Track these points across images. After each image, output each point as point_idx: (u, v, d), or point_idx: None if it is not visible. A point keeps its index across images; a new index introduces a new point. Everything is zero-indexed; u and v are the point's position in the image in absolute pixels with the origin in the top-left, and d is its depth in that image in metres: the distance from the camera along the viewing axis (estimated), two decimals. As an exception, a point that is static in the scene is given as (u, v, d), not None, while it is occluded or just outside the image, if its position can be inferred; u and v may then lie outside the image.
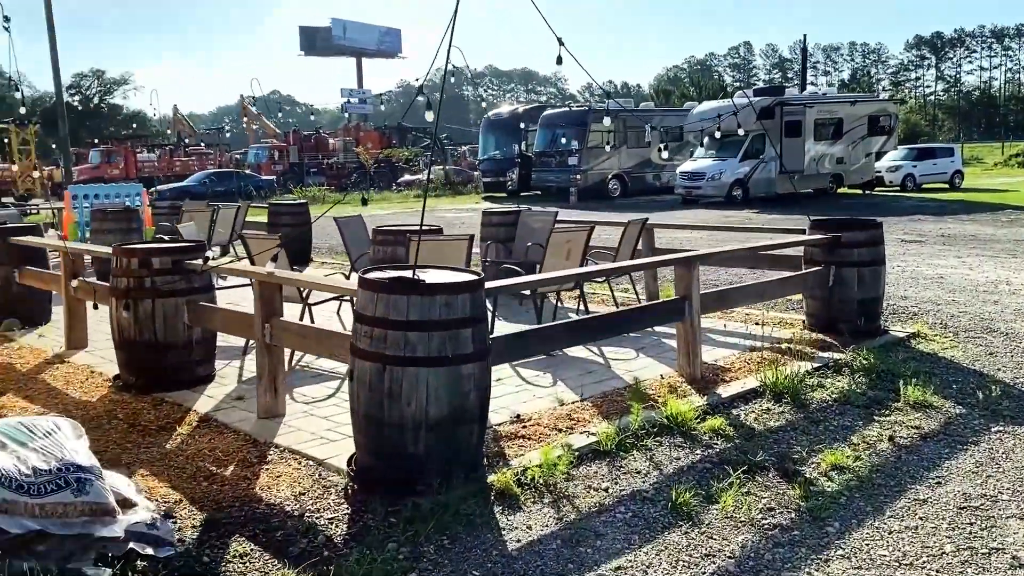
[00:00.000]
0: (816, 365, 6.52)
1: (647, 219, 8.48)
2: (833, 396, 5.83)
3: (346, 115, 60.21)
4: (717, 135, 27.18)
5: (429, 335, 4.01)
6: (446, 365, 4.03)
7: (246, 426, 5.20)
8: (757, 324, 8.11)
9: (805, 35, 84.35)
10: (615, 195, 31.05)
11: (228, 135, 67.75)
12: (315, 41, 78.60)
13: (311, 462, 4.61)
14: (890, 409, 5.57)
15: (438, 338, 4.02)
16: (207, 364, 6.23)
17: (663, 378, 6.16)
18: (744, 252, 7.02)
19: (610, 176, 31.10)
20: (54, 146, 51.52)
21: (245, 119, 63.10)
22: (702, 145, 28.22)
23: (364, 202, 31.96)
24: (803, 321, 7.90)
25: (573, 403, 5.60)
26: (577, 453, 4.65)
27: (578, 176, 30.21)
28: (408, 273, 4.23)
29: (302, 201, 13.97)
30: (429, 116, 5.73)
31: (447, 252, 6.61)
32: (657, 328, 7.11)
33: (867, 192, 29.43)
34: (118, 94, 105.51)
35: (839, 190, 28.49)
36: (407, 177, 41.67)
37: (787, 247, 7.62)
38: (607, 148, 30.67)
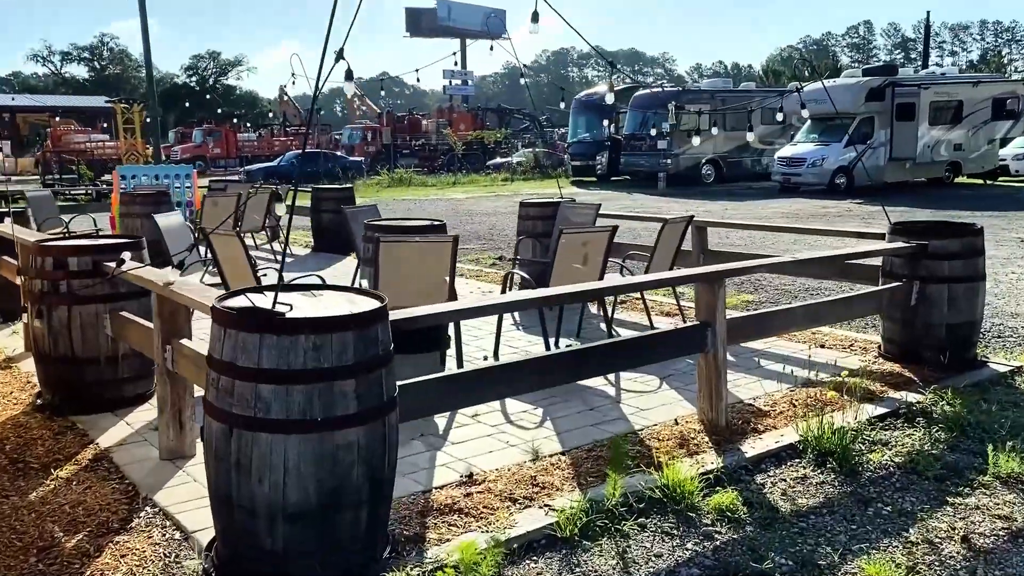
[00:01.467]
0: (883, 411, 5.13)
1: (692, 217, 7.14)
2: (896, 460, 4.46)
3: (448, 97, 59.88)
4: (821, 118, 25.18)
5: (288, 389, 2.92)
6: (312, 431, 2.94)
7: (137, 472, 4.25)
8: (821, 347, 6.71)
9: (928, 12, 79.02)
10: (708, 181, 29.27)
11: (341, 116, 68.35)
12: (420, 22, 78.56)
13: (177, 535, 3.60)
14: (972, 485, 4.17)
15: (301, 394, 2.92)
16: (140, 382, 5.32)
17: (677, 424, 4.91)
18: (793, 264, 5.63)
19: (704, 161, 29.31)
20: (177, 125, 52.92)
21: (351, 101, 63.53)
22: (803, 128, 26.14)
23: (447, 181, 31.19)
24: (878, 346, 6.45)
25: (551, 457, 4.42)
26: (517, 545, 3.48)
27: (668, 160, 28.57)
28: (287, 298, 3.14)
29: (347, 186, 13.14)
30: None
31: (424, 258, 5.50)
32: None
33: (989, 182, 26.70)
34: (232, 75, 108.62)
35: (956, 179, 25.92)
36: (497, 160, 40.70)
37: (860, 257, 6.17)
38: (701, 131, 28.94)
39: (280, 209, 12.64)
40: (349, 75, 6.74)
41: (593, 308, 8.22)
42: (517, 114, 58.88)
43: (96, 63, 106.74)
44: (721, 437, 4.68)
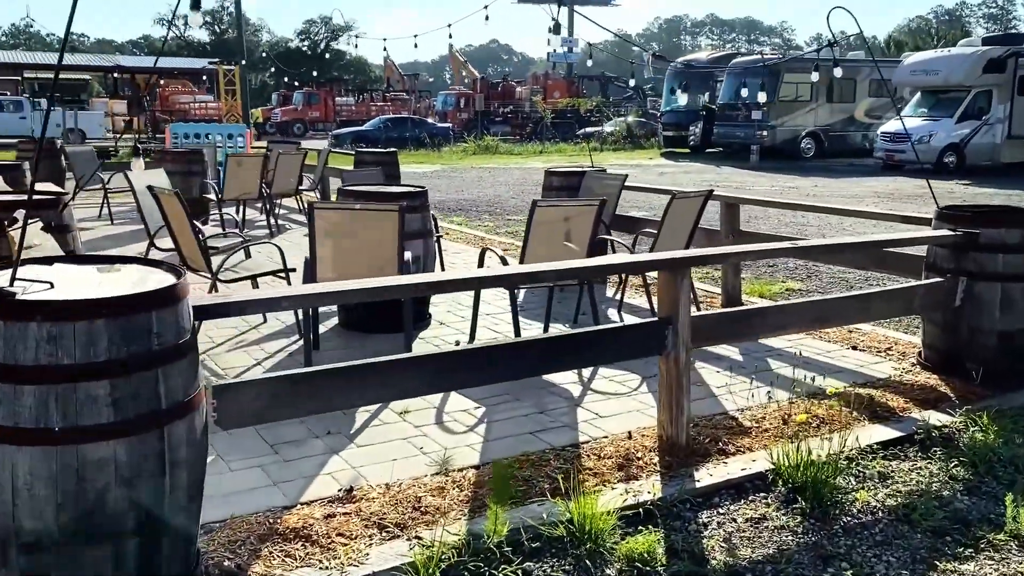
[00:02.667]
0: (894, 434, 4.21)
1: (710, 191, 6.22)
2: (889, 503, 3.57)
3: (551, 64, 58.89)
4: (931, 90, 23.19)
5: (15, 390, 2.33)
6: (47, 444, 2.34)
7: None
8: (854, 348, 5.75)
9: (1080, -23, 72.60)
10: (808, 155, 27.52)
11: (449, 83, 68.35)
12: (530, -13, 77.78)
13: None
14: (978, 545, 3.26)
15: (32, 396, 2.33)
16: None
17: (630, 438, 4.12)
18: (795, 250, 4.67)
19: (803, 134, 27.56)
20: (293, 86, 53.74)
21: (453, 67, 63.31)
22: (911, 101, 24.14)
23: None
24: (919, 352, 5.45)
25: (459, 471, 3.72)
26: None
27: (763, 132, 26.96)
28: (43, 274, 2.54)
29: (391, 150, 12.59)
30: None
31: (367, 229, 4.84)
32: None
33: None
34: (343, 40, 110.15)
35: (1087, 160, 23.46)
36: (588, 128, 39.59)
37: (896, 245, 5.16)
38: (803, 102, 27.22)
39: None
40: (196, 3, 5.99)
41: (609, 291, 7.42)
42: (618, 82, 57.34)
43: (216, 27, 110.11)
44: (676, 459, 3.87)
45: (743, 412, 4.49)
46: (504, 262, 5.40)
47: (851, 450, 3.94)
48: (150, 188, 5.65)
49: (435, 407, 4.48)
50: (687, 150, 31.74)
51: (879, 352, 5.68)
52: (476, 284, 3.70)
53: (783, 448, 3.79)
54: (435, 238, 6.11)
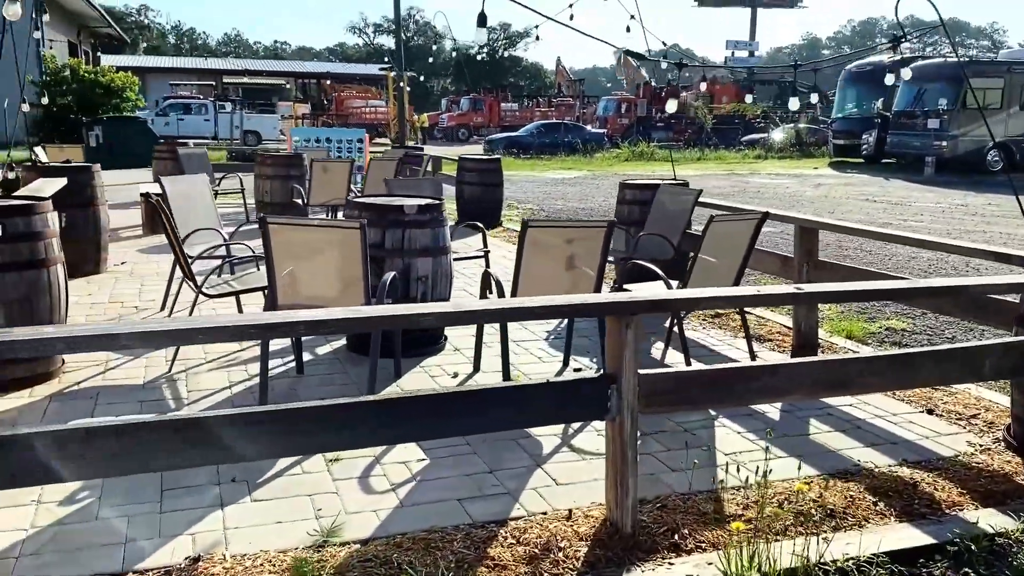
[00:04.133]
0: (920, 542, 3.24)
1: (765, 214, 5.26)
2: (866, 647, 2.66)
3: (729, 69, 56.91)
4: None
5: None
6: None
7: None
8: (930, 412, 4.68)
9: None
10: (995, 169, 24.71)
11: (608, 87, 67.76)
12: (710, -9, 75.83)
13: None
14: None
15: None
16: None
17: (570, 518, 3.38)
18: (802, 296, 3.66)
19: (990, 145, 24.74)
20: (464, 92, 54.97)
21: (626, 72, 62.42)
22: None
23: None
24: (1007, 425, 4.33)
25: (340, 546, 3.13)
26: None
27: (942, 143, 24.45)
28: None
29: (495, 157, 12.11)
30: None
31: (327, 249, 4.33)
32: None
33: None
34: (520, 46, 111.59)
35: None
36: (753, 135, 37.67)
37: (983, 291, 4.08)
38: (992, 109, 24.48)
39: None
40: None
41: (698, 321, 6.58)
42: (800, 87, 54.50)
43: (403, 34, 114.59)
44: (610, 553, 3.11)
45: (735, 492, 3.63)
46: (501, 291, 4.76)
47: (846, 560, 3.03)
48: (145, 195, 5.42)
49: (374, 456, 3.92)
50: (859, 160, 29.45)
51: (959, 420, 4.59)
52: (402, 320, 3.08)
53: (748, 551, 2.95)
54: (449, 256, 5.54)
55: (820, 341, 6.07)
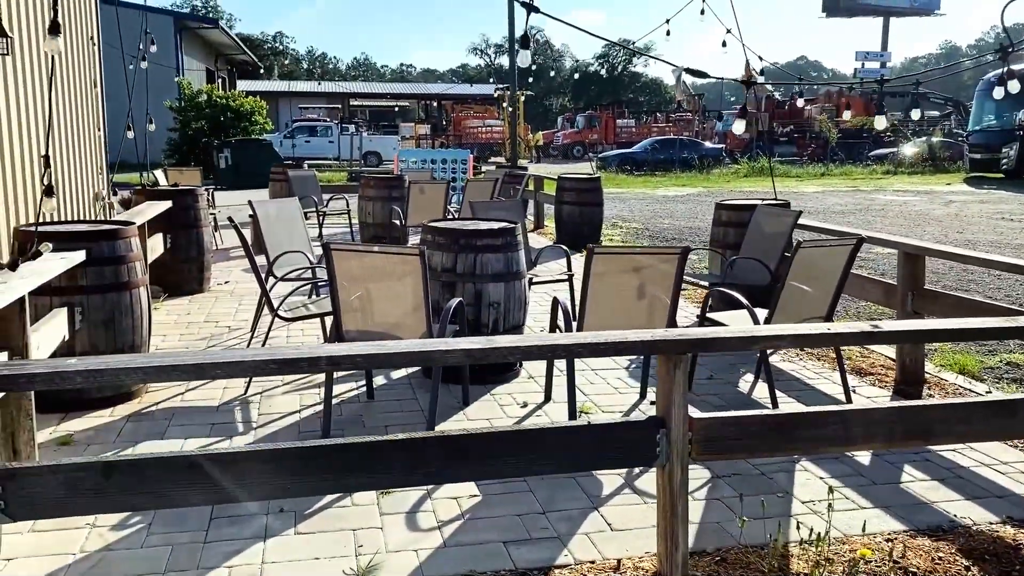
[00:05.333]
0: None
1: (860, 239, 4.85)
2: None
3: (859, 80, 54.83)
4: None
5: None
6: None
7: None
8: (1004, 472, 4.21)
9: None
10: None
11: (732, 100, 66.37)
12: (838, 1, 73.36)
13: None
14: None
15: None
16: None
17: (618, 570, 3.16)
18: (814, 336, 3.26)
19: None
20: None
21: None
22: None
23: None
24: None
25: (374, 585, 3.04)
26: None
27: (1093, 156, 22.62)
28: None
29: (594, 176, 11.88)
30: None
31: (389, 276, 4.26)
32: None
33: None
34: (639, 62, 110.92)
35: None
36: (882, 150, 35.94)
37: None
38: None
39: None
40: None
41: (804, 358, 6.21)
42: (936, 98, 51.91)
43: (536, 53, 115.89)
44: (655, 610, 2.88)
45: (806, 547, 3.32)
46: (568, 321, 4.57)
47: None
48: (230, 219, 5.51)
49: (425, 490, 3.81)
50: (999, 175, 27.62)
51: (1075, 474, 4.09)
52: (432, 357, 2.92)
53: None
54: (523, 281, 5.40)
55: (928, 375, 5.60)
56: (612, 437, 2.98)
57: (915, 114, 13.35)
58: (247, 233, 6.37)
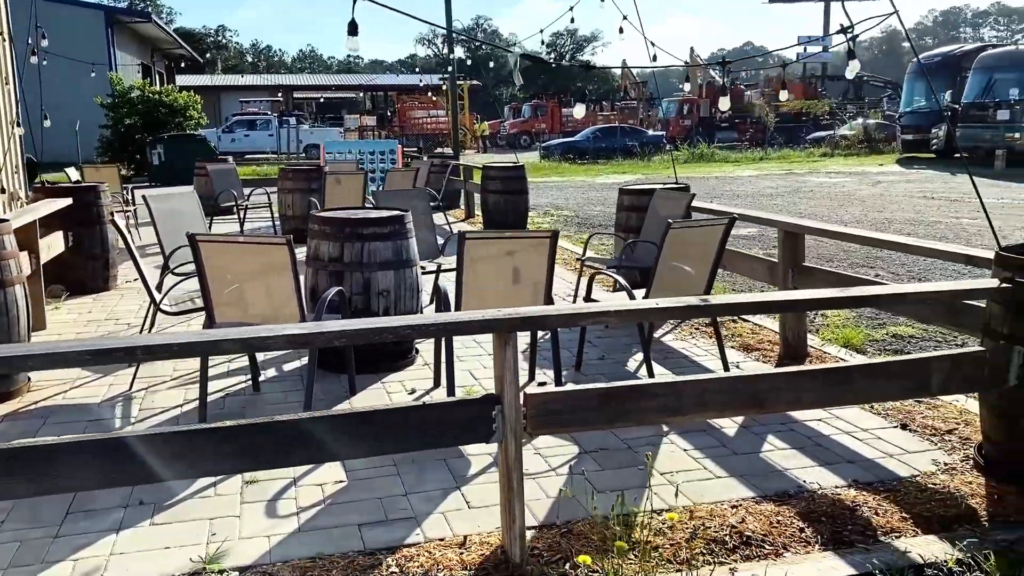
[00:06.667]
0: (838, 573, 2.98)
1: (732, 218, 4.98)
2: None
3: (803, 66, 55.59)
4: None
5: None
6: None
7: None
8: (904, 427, 4.38)
9: None
10: (1075, 161, 23.41)
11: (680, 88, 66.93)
12: (779, -15, 74.29)
13: None
14: None
15: None
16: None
17: (463, 546, 3.22)
18: (699, 308, 3.35)
19: (1068, 135, 23.46)
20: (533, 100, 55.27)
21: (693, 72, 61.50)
22: None
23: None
24: (978, 444, 4.00)
25: (220, 574, 3.06)
26: None
27: (1016, 135, 23.28)
28: None
29: (519, 164, 11.96)
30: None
31: (260, 265, 4.27)
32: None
33: None
34: (587, 51, 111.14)
35: None
36: (819, 133, 36.58)
37: (932, 299, 3.78)
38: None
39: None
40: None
41: (687, 332, 6.35)
42: (875, 82, 52.83)
43: (471, 45, 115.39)
44: (492, 584, 2.95)
45: (652, 515, 3.41)
46: (447, 304, 4.62)
47: (741, 596, 2.81)
48: (111, 215, 5.46)
49: (292, 477, 3.84)
50: (930, 155, 28.30)
51: (934, 435, 4.26)
52: (254, 344, 2.91)
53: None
54: (415, 268, 5.43)
55: (813, 349, 5.76)
56: (449, 416, 3.04)
57: (852, 69, 12.68)
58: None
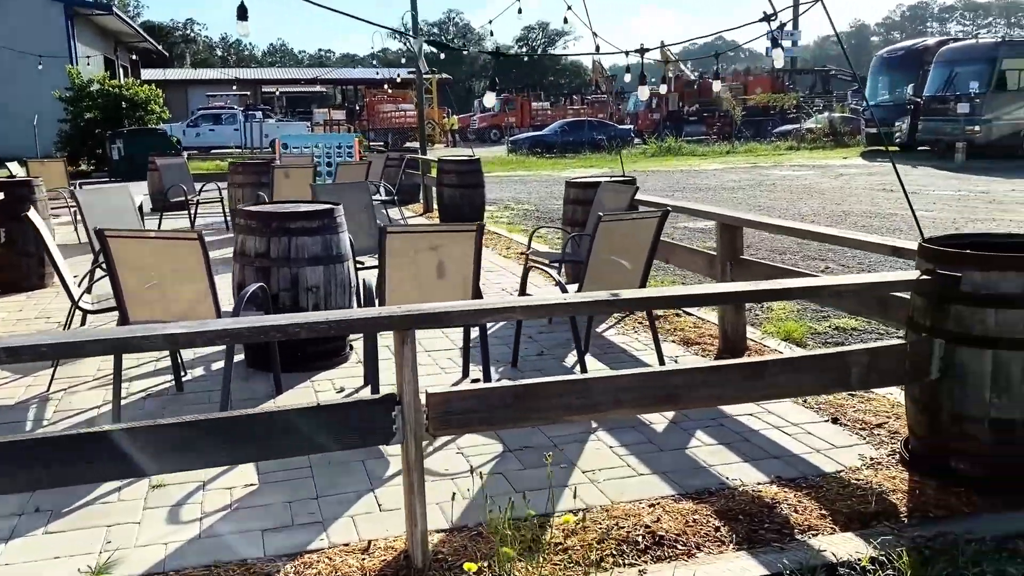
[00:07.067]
0: (749, 573, 2.91)
1: (665, 212, 4.90)
2: None
3: (771, 60, 55.87)
4: None
5: None
6: None
7: None
8: (835, 420, 4.32)
9: None
10: (1034, 153, 23.66)
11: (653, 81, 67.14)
12: (750, -21, 74.68)
13: None
14: None
15: None
16: None
17: (367, 551, 3.11)
18: (610, 303, 3.25)
19: (1028, 127, 23.69)
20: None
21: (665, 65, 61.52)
22: None
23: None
24: (904, 439, 3.95)
25: (108, 581, 2.93)
26: None
27: (976, 128, 23.46)
28: None
29: (475, 158, 11.82)
30: None
31: (173, 261, 4.13)
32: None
33: None
34: (559, 45, 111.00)
35: None
36: (785, 126, 36.75)
37: (853, 291, 3.72)
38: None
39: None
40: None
41: (629, 326, 6.28)
42: (843, 75, 53.23)
43: (443, 38, 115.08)
44: (387, 590, 2.84)
45: (565, 516, 3.32)
46: (371, 299, 4.50)
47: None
48: (26, 214, 5.28)
49: (201, 481, 3.70)
50: (894, 148, 28.50)
51: (863, 429, 4.21)
52: (129, 343, 2.78)
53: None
54: (347, 264, 5.30)
55: (754, 342, 5.71)
56: (348, 417, 2.92)
57: (777, 57, 11.54)
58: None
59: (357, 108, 52.28)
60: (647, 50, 9.69)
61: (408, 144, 38.04)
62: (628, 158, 30.34)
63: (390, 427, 2.87)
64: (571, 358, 5.57)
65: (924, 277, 3.48)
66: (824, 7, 3.85)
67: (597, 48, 8.20)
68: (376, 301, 4.41)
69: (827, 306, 5.36)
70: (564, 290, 4.81)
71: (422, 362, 5.41)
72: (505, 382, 3.07)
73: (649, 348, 5.72)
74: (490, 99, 7.57)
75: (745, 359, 4.23)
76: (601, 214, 4.68)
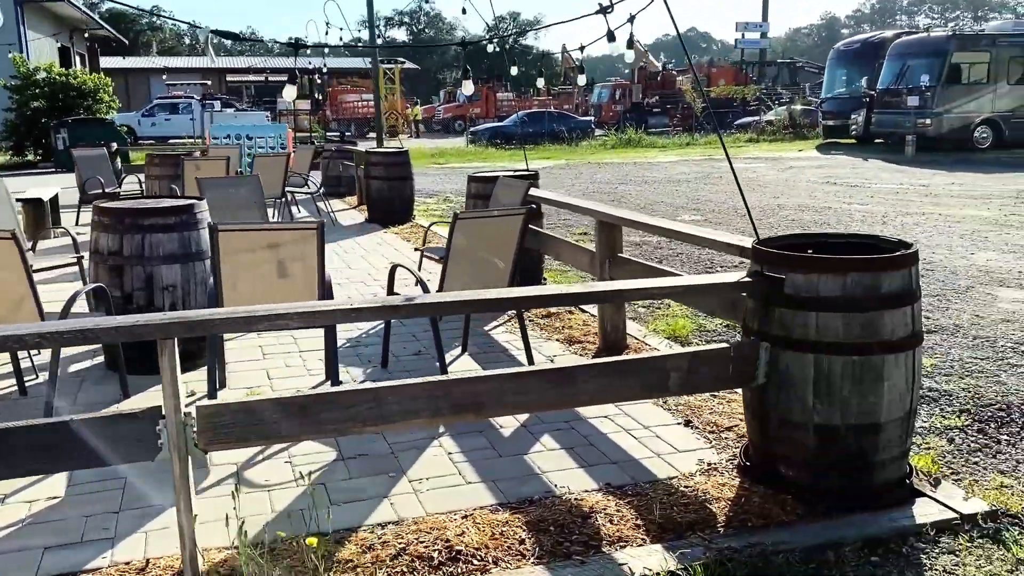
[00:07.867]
0: (536, 593, 2.78)
1: (529, 210, 4.75)
2: None
3: (740, 51, 55.89)
4: None
5: None
6: None
7: None
8: (688, 423, 4.22)
9: None
10: (983, 146, 23.80)
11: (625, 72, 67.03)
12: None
13: None
14: None
15: None
16: None
17: (145, 569, 2.95)
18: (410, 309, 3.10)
19: (978, 121, 23.82)
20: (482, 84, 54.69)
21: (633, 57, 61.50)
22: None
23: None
24: (744, 445, 3.84)
25: None
26: None
27: (927, 121, 23.55)
28: None
29: (403, 150, 11.62)
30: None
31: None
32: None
33: None
34: (530, 35, 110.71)
35: None
36: (745, 119, 36.80)
37: (690, 293, 3.60)
38: (979, 85, 23.59)
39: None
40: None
41: (501, 329, 6.14)
42: (811, 68, 53.42)
43: (413, 27, 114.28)
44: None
45: (368, 530, 3.17)
46: (214, 300, 4.32)
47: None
48: None
49: (3, 493, 3.52)
50: (851, 141, 28.61)
51: (713, 433, 4.10)
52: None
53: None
54: (206, 262, 5.12)
55: (636, 340, 5.60)
56: (116, 430, 2.75)
57: (628, 57, 10.83)
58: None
59: (319, 98, 51.74)
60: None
61: (372, 134, 37.65)
62: (587, 149, 30.26)
63: (156, 442, 2.71)
64: (449, 357, 5.42)
65: (748, 280, 3.36)
66: (666, 4, 3.70)
67: (463, 11, 7.98)
68: (219, 302, 4.24)
69: (692, 307, 5.25)
70: (426, 290, 4.66)
71: (291, 363, 5.27)
72: (282, 395, 2.91)
73: (534, 347, 5.60)
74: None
75: (554, 366, 4.09)
76: (457, 212, 4.53)
